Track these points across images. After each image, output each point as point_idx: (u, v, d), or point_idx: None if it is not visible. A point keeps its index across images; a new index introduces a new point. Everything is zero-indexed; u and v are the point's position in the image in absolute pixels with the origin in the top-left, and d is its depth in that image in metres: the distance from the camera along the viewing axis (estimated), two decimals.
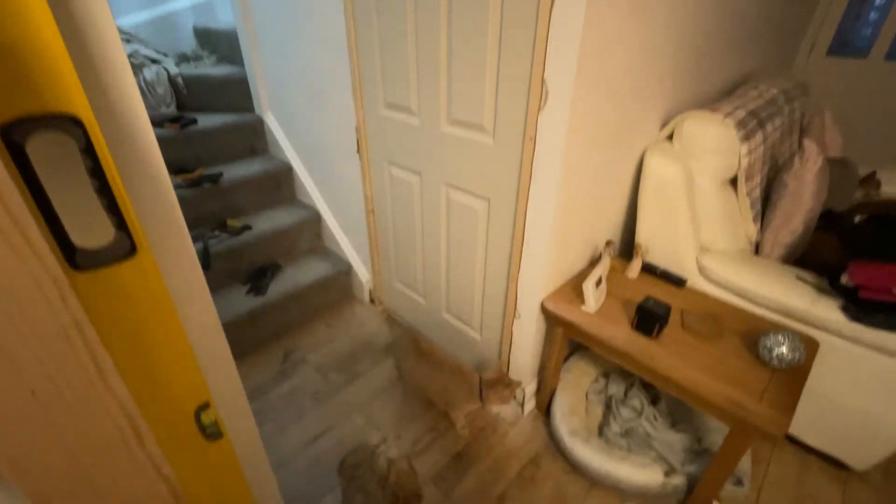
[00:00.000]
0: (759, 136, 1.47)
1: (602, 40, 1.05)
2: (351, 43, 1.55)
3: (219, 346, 0.55)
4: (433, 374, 1.52)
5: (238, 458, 0.64)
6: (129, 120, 0.41)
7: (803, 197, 1.45)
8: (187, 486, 0.46)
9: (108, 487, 0.32)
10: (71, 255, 0.39)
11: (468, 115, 1.31)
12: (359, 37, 1.52)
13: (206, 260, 1.83)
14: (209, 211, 2.05)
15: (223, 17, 2.78)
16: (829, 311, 1.22)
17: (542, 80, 1.08)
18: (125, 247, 0.41)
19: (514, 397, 1.42)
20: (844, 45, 2.82)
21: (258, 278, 2.00)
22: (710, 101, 1.83)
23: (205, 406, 0.52)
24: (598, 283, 1.34)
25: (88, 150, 0.37)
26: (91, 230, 0.39)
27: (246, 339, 1.91)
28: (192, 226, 2.01)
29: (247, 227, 2.05)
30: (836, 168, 1.75)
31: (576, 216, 1.34)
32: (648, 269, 1.52)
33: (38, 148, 0.35)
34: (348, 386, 1.77)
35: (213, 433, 0.54)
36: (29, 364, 0.26)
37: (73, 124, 0.36)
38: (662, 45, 1.29)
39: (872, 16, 2.69)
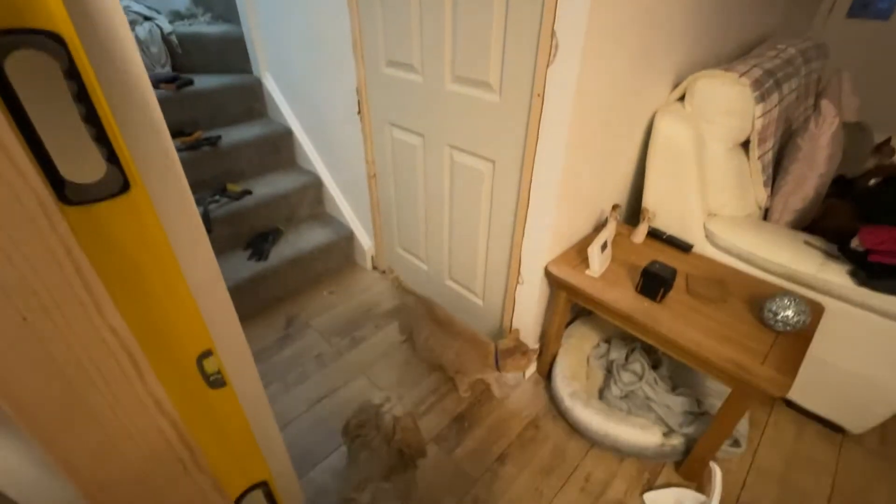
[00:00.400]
0: (774, 97, 1.41)
1: None
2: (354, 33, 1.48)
3: (220, 294, 0.54)
4: (447, 342, 1.52)
5: (242, 408, 0.64)
6: (113, 41, 0.38)
7: (817, 160, 1.41)
8: (192, 431, 0.46)
9: (105, 417, 0.31)
10: (60, 189, 0.37)
11: (474, 72, 1.26)
12: (363, 30, 1.45)
13: (206, 224, 1.81)
14: (209, 175, 2.01)
15: None
16: (836, 275, 1.21)
17: (552, 32, 1.03)
18: (117, 182, 0.39)
19: (530, 364, 1.43)
20: (865, 7, 2.69)
21: (259, 243, 1.99)
22: (725, 62, 1.77)
23: (207, 354, 0.51)
24: (604, 247, 1.33)
25: (72, 73, 0.35)
26: (80, 163, 0.37)
27: (248, 303, 1.91)
28: (191, 189, 1.98)
29: (247, 192, 2.02)
30: (852, 132, 1.70)
31: (583, 179, 1.31)
32: (654, 234, 1.50)
33: (18, 66, 0.33)
34: (351, 349, 1.78)
35: (216, 381, 0.53)
36: (17, 289, 0.25)
37: (54, 42, 0.34)
38: (677, 6, 1.22)
39: None
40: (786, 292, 1.11)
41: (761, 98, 1.35)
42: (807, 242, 1.30)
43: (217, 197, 1.97)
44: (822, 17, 2.76)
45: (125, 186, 0.40)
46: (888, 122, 2.70)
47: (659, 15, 1.19)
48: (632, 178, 1.59)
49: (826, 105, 1.37)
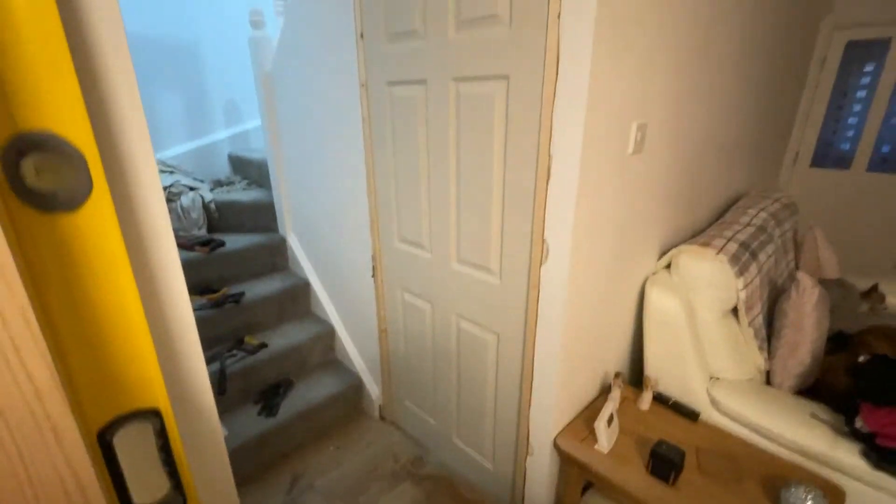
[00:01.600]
0: (753, 269, 1.54)
1: (596, 202, 1.17)
2: (370, 180, 1.73)
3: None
4: None
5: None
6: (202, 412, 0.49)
7: (805, 328, 1.48)
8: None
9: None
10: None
11: (476, 257, 1.42)
12: (377, 175, 1.70)
13: (222, 386, 1.87)
14: (229, 328, 2.13)
15: (256, 145, 3.12)
16: (849, 455, 1.20)
17: (543, 239, 1.19)
18: (178, 502, 0.47)
19: None
20: (827, 157, 3.02)
21: (270, 397, 2.02)
22: (704, 225, 1.96)
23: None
24: (610, 420, 1.34)
25: (162, 433, 0.44)
26: (151, 490, 0.45)
27: (253, 463, 1.87)
28: (211, 344, 2.08)
29: (263, 345, 2.11)
30: (835, 290, 1.80)
31: (583, 351, 1.38)
32: (660, 399, 1.52)
33: (123, 439, 0.42)
34: None
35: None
36: None
37: (154, 415, 0.44)
38: (654, 186, 1.43)
39: (849, 132, 2.92)
40: (802, 479, 1.09)
41: (740, 272, 1.48)
42: (813, 415, 1.31)
43: (234, 351, 2.06)
44: (787, 168, 3.09)
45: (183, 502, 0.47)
46: (868, 266, 2.85)
47: (640, 202, 1.38)
48: (631, 341, 1.66)
49: (803, 277, 1.49)
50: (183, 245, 2.28)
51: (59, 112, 0.34)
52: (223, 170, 2.99)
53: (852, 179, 2.90)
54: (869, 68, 2.78)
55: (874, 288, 2.11)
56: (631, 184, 1.30)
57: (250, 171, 2.81)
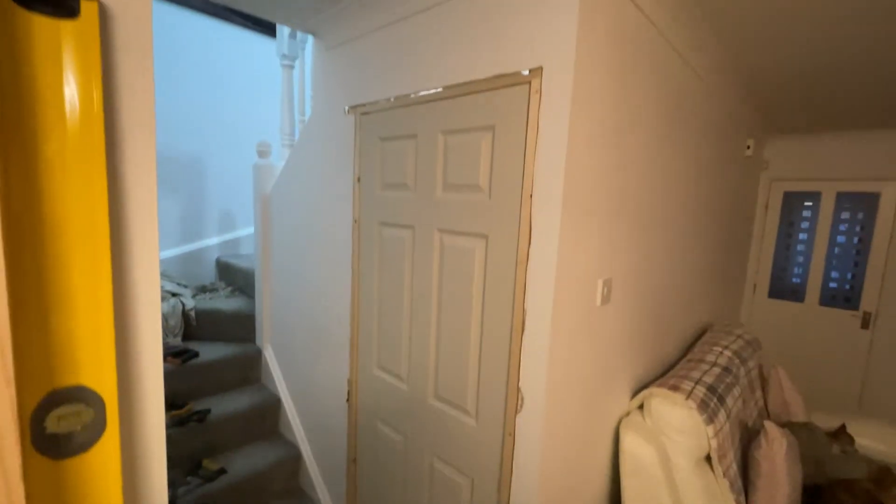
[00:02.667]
0: (721, 415, 1.59)
1: (568, 350, 1.24)
2: (354, 307, 1.78)
3: None
4: None
5: None
6: None
7: (779, 480, 1.49)
8: None
9: None
10: None
11: (453, 397, 1.43)
12: (361, 302, 1.76)
13: None
14: (189, 449, 1.99)
15: (246, 250, 3.22)
16: None
17: (518, 388, 1.23)
18: None
19: None
20: (782, 289, 3.26)
21: None
22: (674, 357, 2.03)
23: None
24: None
25: None
26: None
27: None
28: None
29: (222, 471, 1.96)
30: (803, 433, 1.83)
31: (560, 501, 1.34)
32: None
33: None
34: None
35: None
36: None
37: None
38: (623, 332, 1.51)
39: (797, 269, 3.20)
40: None
41: (710, 419, 1.52)
42: None
43: (189, 478, 1.90)
44: (748, 299, 3.30)
45: None
46: (828, 403, 2.93)
47: (611, 349, 1.45)
48: (608, 487, 1.62)
49: (770, 427, 1.54)
50: None
51: (93, 368, 0.40)
52: (209, 274, 3.03)
53: (807, 312, 3.10)
54: (806, 214, 3.14)
55: (842, 429, 2.15)
56: (601, 332, 1.39)
57: (236, 278, 2.85)
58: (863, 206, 2.95)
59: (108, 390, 0.40)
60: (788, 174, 3.14)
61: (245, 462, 2.05)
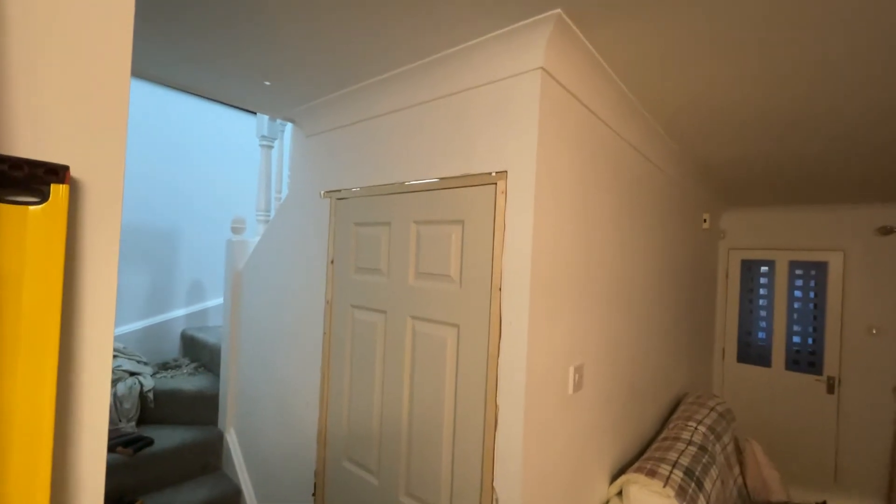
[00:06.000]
0: (701, 501, 1.55)
1: (542, 442, 1.22)
2: (323, 392, 1.72)
3: None
4: None
5: None
6: None
7: None
8: None
9: None
10: None
11: (426, 495, 1.36)
12: (331, 388, 1.70)
13: None
14: None
15: (214, 321, 3.11)
16: None
17: (493, 488, 1.19)
18: None
19: None
20: (749, 354, 3.34)
21: None
22: (651, 432, 2.01)
23: None
24: None
25: None
26: None
27: None
28: None
29: None
30: None
31: None
32: None
33: None
34: None
35: None
36: None
37: None
38: (597, 416, 1.50)
39: (761, 334, 3.30)
40: None
41: None
42: None
43: None
44: (718, 363, 3.36)
45: None
46: (804, 476, 2.91)
47: (585, 438, 1.43)
48: None
49: None
50: None
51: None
52: (173, 349, 2.89)
53: (775, 377, 3.17)
54: (763, 281, 3.31)
55: None
56: (575, 420, 1.38)
57: (202, 354, 2.73)
58: (814, 273, 3.13)
59: None
60: (744, 243, 3.34)
61: None
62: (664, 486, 1.51)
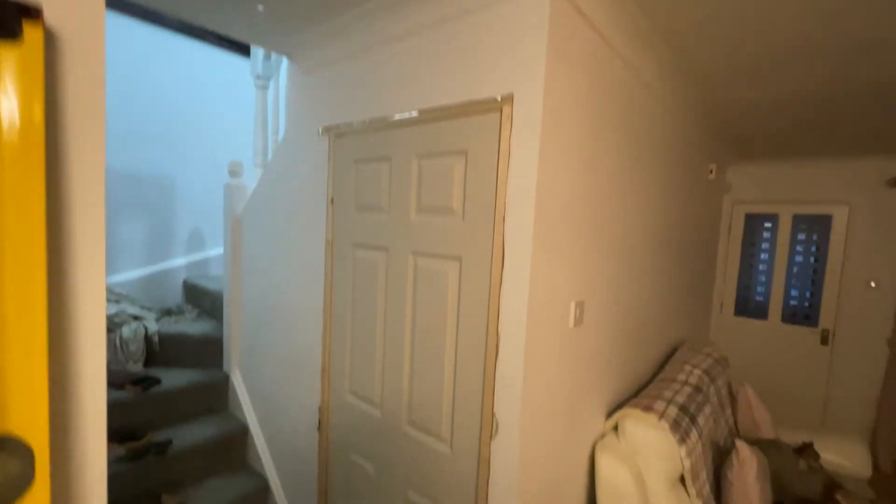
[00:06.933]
0: (693, 434, 1.60)
1: (542, 372, 1.23)
2: (326, 330, 1.73)
3: None
4: None
5: None
6: None
7: (750, 499, 1.50)
8: None
9: None
10: None
11: (427, 422, 1.40)
12: (333, 326, 1.72)
13: None
14: (146, 486, 1.87)
15: (215, 272, 3.11)
16: None
17: (493, 413, 1.21)
18: None
19: None
20: (746, 307, 3.38)
21: None
22: (646, 376, 2.06)
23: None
24: None
25: None
26: None
27: None
28: None
29: None
30: (772, 451, 1.87)
31: None
32: None
33: None
34: None
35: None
36: None
37: None
38: (597, 353, 1.52)
39: (760, 287, 3.32)
40: None
41: (682, 440, 1.53)
42: None
43: None
44: (716, 315, 3.40)
45: None
46: (793, 419, 3.02)
47: (583, 374, 1.45)
48: None
49: (742, 447, 1.56)
50: (113, 382, 2.10)
51: (23, 416, 0.36)
52: (175, 296, 2.91)
53: (771, 329, 3.21)
54: (766, 235, 3.29)
55: (809, 446, 2.21)
56: (574, 354, 1.40)
57: (204, 301, 2.75)
58: (817, 227, 3.11)
59: (38, 439, 0.37)
60: (748, 197, 3.30)
61: (208, 498, 1.93)
62: (659, 420, 1.55)
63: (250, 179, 2.31)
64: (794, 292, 3.18)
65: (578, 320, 1.38)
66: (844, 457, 2.23)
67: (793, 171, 3.14)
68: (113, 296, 2.47)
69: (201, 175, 3.01)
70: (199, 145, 3.00)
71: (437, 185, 1.33)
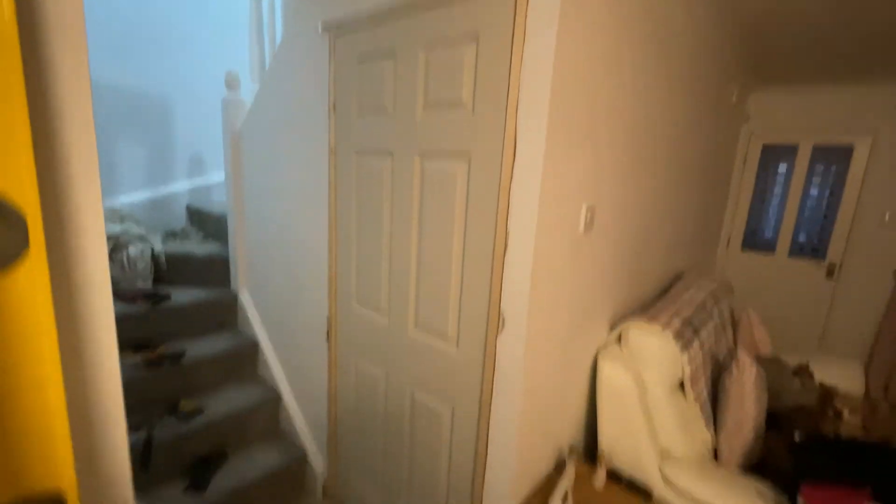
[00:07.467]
0: (696, 345, 1.63)
1: (550, 274, 1.23)
2: (331, 242, 1.73)
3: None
4: None
5: None
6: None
7: (747, 405, 1.55)
8: None
9: None
10: None
11: (434, 325, 1.42)
12: (339, 237, 1.70)
13: (146, 458, 1.67)
14: (164, 391, 1.95)
15: (217, 199, 3.08)
16: None
17: (500, 310, 1.22)
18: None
19: None
20: (754, 242, 3.35)
21: (201, 472, 1.81)
22: (651, 298, 2.07)
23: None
24: (565, 499, 1.30)
25: None
26: None
27: None
28: (141, 408, 1.89)
29: (199, 411, 1.93)
30: (770, 367, 1.91)
31: (539, 423, 1.36)
32: (614, 476, 1.49)
33: None
34: None
35: None
36: None
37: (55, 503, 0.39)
38: (604, 261, 1.51)
39: (770, 221, 3.27)
40: None
41: (685, 348, 1.56)
42: (759, 493, 1.33)
43: (165, 418, 1.87)
44: (722, 250, 3.38)
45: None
46: (791, 343, 3.08)
47: (593, 277, 1.45)
48: (585, 413, 1.67)
49: (742, 355, 1.58)
50: (124, 297, 2.13)
51: (7, 172, 0.34)
52: (179, 221, 2.90)
53: (776, 263, 3.20)
54: (782, 168, 3.19)
55: (805, 366, 2.26)
56: (583, 259, 1.38)
57: (208, 224, 2.74)
58: (837, 159, 3.00)
59: (28, 201, 0.34)
60: (768, 127, 3.16)
61: (224, 403, 2.02)
62: (664, 329, 1.57)
63: (247, 94, 2.20)
64: (804, 225, 3.13)
65: (589, 226, 1.35)
66: (839, 380, 2.29)
67: (817, 99, 2.98)
68: (117, 215, 2.46)
69: (200, 94, 2.89)
70: (193, 59, 2.85)
71: (445, 77, 1.25)
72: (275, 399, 2.13)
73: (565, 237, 1.27)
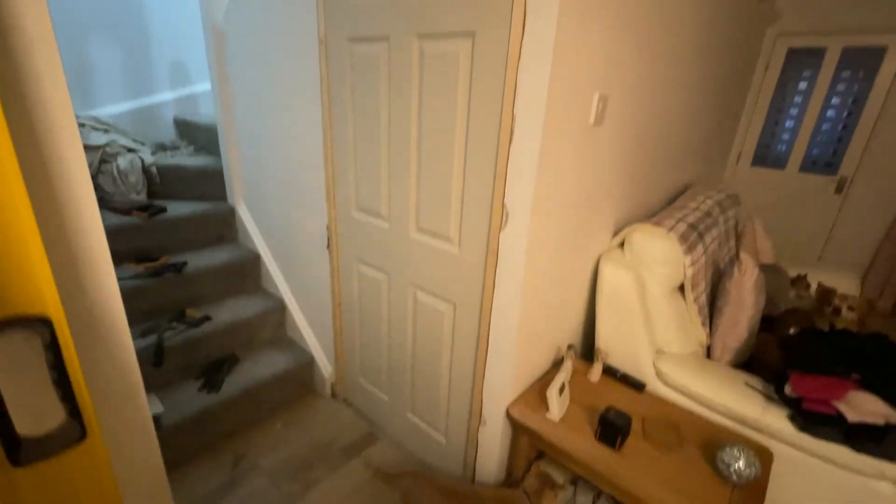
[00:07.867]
0: (699, 248, 1.61)
1: (556, 168, 1.17)
2: (327, 146, 1.65)
3: None
4: None
5: None
6: (106, 323, 0.42)
7: (745, 304, 1.57)
8: None
9: None
10: (14, 449, 0.38)
11: (435, 226, 1.39)
12: (334, 140, 1.62)
13: (159, 357, 1.74)
14: (169, 300, 1.98)
15: (205, 111, 2.92)
16: (778, 420, 1.27)
17: (503, 204, 1.18)
18: (75, 432, 0.41)
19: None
20: (766, 158, 3.23)
21: (213, 373, 1.90)
22: (656, 208, 2.03)
23: None
24: (562, 389, 1.36)
25: (52, 346, 0.38)
26: (41, 418, 0.39)
27: (195, 441, 1.76)
28: (148, 316, 1.93)
29: (206, 318, 1.98)
30: (770, 274, 1.92)
31: (538, 321, 1.39)
32: (610, 371, 1.55)
33: (2, 352, 0.36)
34: (305, 495, 1.63)
35: None
36: None
37: (41, 324, 0.37)
38: (612, 160, 1.45)
39: (785, 135, 3.13)
40: (735, 442, 1.15)
41: (688, 251, 1.54)
42: (748, 384, 1.39)
43: (174, 324, 1.92)
44: (731, 166, 3.27)
45: (82, 435, 0.41)
46: (795, 255, 3.09)
47: (598, 181, 1.39)
48: (584, 316, 1.70)
49: (745, 257, 1.57)
50: (119, 209, 2.09)
51: None
52: (168, 134, 2.77)
53: (787, 178, 3.11)
54: (806, 74, 2.98)
55: (803, 277, 2.28)
56: (591, 154, 1.31)
57: (198, 136, 2.62)
58: (865, 62, 2.79)
59: None
60: (798, 27, 2.90)
61: (229, 312, 2.07)
62: (668, 232, 1.54)
63: None
64: (820, 137, 2.99)
65: (599, 118, 1.27)
66: (836, 285, 2.31)
67: None
68: (100, 125, 2.34)
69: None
70: None
71: None
72: (280, 308, 2.18)
73: (574, 128, 1.19)
